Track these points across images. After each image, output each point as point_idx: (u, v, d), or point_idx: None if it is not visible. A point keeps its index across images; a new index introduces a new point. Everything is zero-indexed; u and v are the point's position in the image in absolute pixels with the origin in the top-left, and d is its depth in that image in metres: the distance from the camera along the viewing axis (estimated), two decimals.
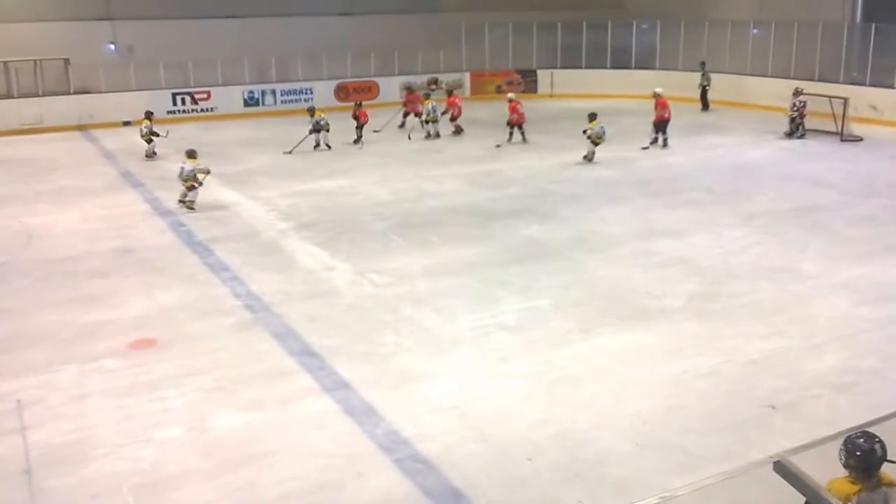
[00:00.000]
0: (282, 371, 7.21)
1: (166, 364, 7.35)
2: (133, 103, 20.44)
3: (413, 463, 5.76)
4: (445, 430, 6.16)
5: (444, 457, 5.80)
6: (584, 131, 15.67)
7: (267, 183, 14.60)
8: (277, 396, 6.72)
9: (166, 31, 21.58)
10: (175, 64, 21.63)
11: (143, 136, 17.02)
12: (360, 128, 18.08)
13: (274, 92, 23.02)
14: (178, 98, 21.97)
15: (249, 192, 13.94)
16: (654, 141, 16.95)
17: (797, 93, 17.74)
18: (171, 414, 6.49)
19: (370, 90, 24.14)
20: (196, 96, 22.16)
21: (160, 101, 21.45)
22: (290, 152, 16.82)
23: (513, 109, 17.82)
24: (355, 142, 17.85)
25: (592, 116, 15.69)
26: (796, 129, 17.70)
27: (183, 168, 12.74)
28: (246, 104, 22.73)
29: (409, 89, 21.66)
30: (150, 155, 16.95)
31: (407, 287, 9.25)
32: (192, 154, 12.95)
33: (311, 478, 5.61)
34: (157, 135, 16.91)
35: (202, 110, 22.13)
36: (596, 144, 15.59)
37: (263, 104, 22.87)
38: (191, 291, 9.21)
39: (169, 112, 21.59)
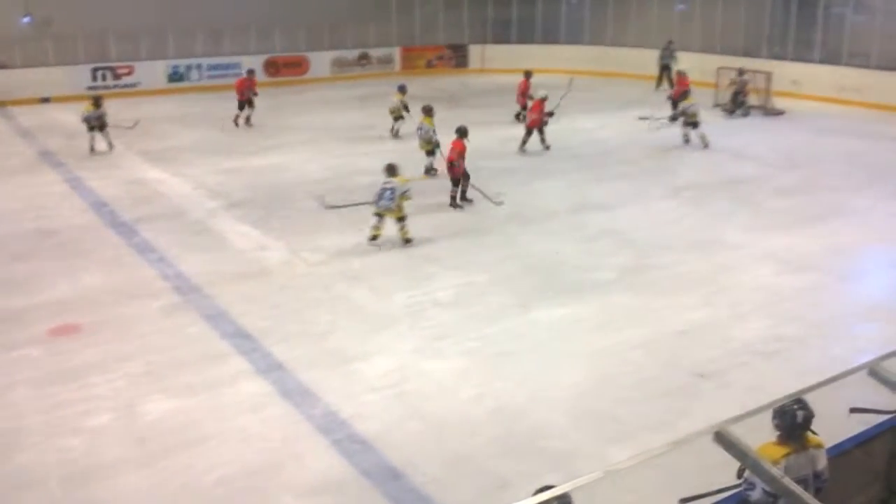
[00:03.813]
0: (214, 354, 7.04)
1: (92, 350, 7.08)
2: (51, 79, 19.62)
3: (351, 443, 5.72)
4: (383, 410, 6.14)
5: (382, 436, 5.78)
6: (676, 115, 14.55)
7: (194, 160, 14.15)
8: (210, 380, 6.57)
9: (85, 2, 20.54)
10: (95, 37, 20.65)
11: (85, 122, 14.39)
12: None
13: (199, 66, 22.25)
14: (99, 73, 21.00)
15: (175, 169, 13.48)
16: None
17: (741, 72, 17.92)
18: (100, 401, 6.27)
19: (300, 65, 23.61)
20: (118, 71, 21.25)
21: (79, 76, 20.54)
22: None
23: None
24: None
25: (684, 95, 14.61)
26: (739, 105, 17.87)
27: (395, 188, 9.50)
28: (170, 79, 21.89)
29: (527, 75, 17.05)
30: (93, 150, 14.44)
31: (341, 265, 9.15)
32: (394, 169, 9.72)
33: (247, 461, 5.52)
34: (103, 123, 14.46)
35: (124, 86, 21.23)
36: (694, 126, 14.55)
37: (189, 79, 22.10)
38: (116, 274, 8.88)
39: (89, 88, 20.53)
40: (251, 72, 17.53)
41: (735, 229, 10.31)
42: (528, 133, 14.47)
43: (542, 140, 14.62)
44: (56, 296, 8.29)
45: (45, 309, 7.95)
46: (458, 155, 11.26)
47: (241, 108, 16.81)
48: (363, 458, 5.55)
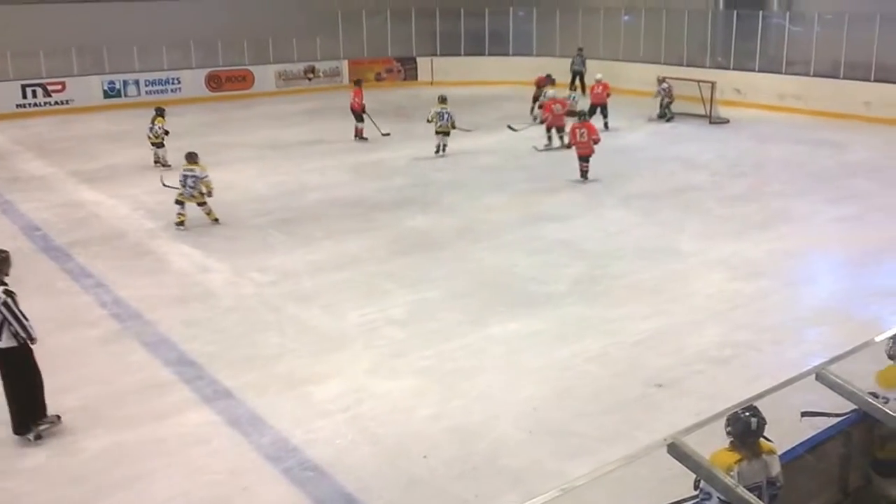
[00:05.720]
0: (156, 384, 6.73)
1: None
2: None
3: (303, 471, 5.51)
4: (336, 434, 5.95)
5: (335, 462, 5.58)
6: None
7: (132, 180, 13.65)
8: (152, 412, 6.26)
9: (13, 16, 19.80)
10: (24, 52, 19.88)
11: (156, 138, 14.21)
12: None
13: (137, 82, 21.61)
14: (29, 90, 20.21)
15: (113, 190, 13.00)
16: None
17: (661, 80, 18.52)
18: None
19: (245, 79, 23.21)
20: (49, 88, 20.47)
21: (8, 93, 19.79)
22: None
23: (547, 109, 15.86)
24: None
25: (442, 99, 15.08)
26: (666, 111, 18.41)
27: (190, 177, 10.61)
28: (106, 95, 21.19)
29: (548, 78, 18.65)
30: (167, 164, 14.01)
31: (290, 285, 8.89)
32: (194, 157, 10.78)
33: (192, 497, 5.25)
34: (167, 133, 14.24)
35: (56, 103, 20.45)
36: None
37: (126, 95, 21.44)
38: (48, 302, 8.38)
39: (18, 106, 19.94)
40: (358, 82, 17.22)
41: (686, 237, 10.40)
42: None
43: (560, 138, 15.43)
44: None
45: None
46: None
47: (359, 119, 16.40)
48: (316, 486, 5.36)
